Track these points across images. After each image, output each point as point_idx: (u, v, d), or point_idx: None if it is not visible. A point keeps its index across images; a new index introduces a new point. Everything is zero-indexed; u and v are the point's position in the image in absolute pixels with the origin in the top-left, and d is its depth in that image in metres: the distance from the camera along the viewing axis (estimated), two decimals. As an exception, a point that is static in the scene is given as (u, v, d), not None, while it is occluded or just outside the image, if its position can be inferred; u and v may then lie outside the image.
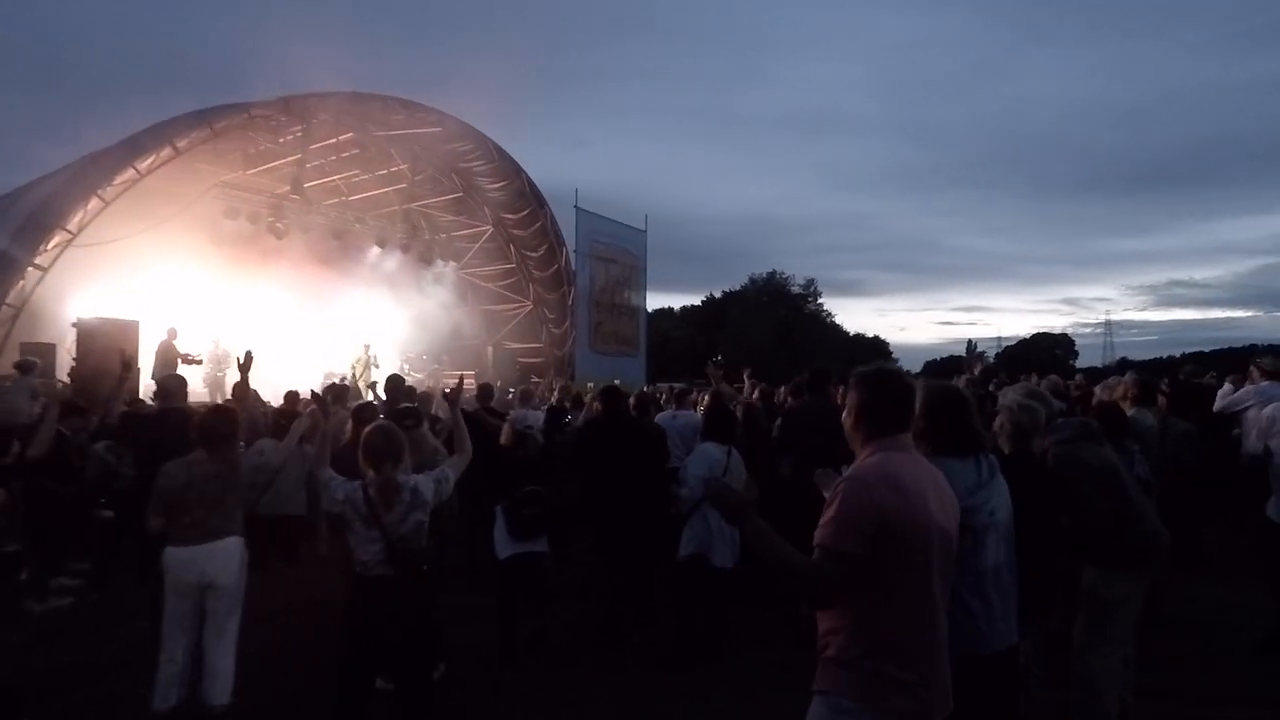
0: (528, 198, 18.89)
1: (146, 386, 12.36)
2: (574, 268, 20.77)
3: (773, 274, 56.00)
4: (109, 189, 11.65)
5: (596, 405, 5.67)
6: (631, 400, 6.55)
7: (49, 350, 12.33)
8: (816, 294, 56.35)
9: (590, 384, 15.08)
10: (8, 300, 10.85)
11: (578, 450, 5.35)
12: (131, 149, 11.76)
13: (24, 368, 8.37)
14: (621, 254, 23.69)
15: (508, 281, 21.21)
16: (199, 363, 13.08)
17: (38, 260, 11.11)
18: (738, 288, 57.45)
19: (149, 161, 11.95)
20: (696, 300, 61.32)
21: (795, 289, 55.71)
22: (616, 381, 12.20)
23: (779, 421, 6.06)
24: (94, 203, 11.45)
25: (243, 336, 15.54)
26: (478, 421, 6.40)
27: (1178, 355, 61.97)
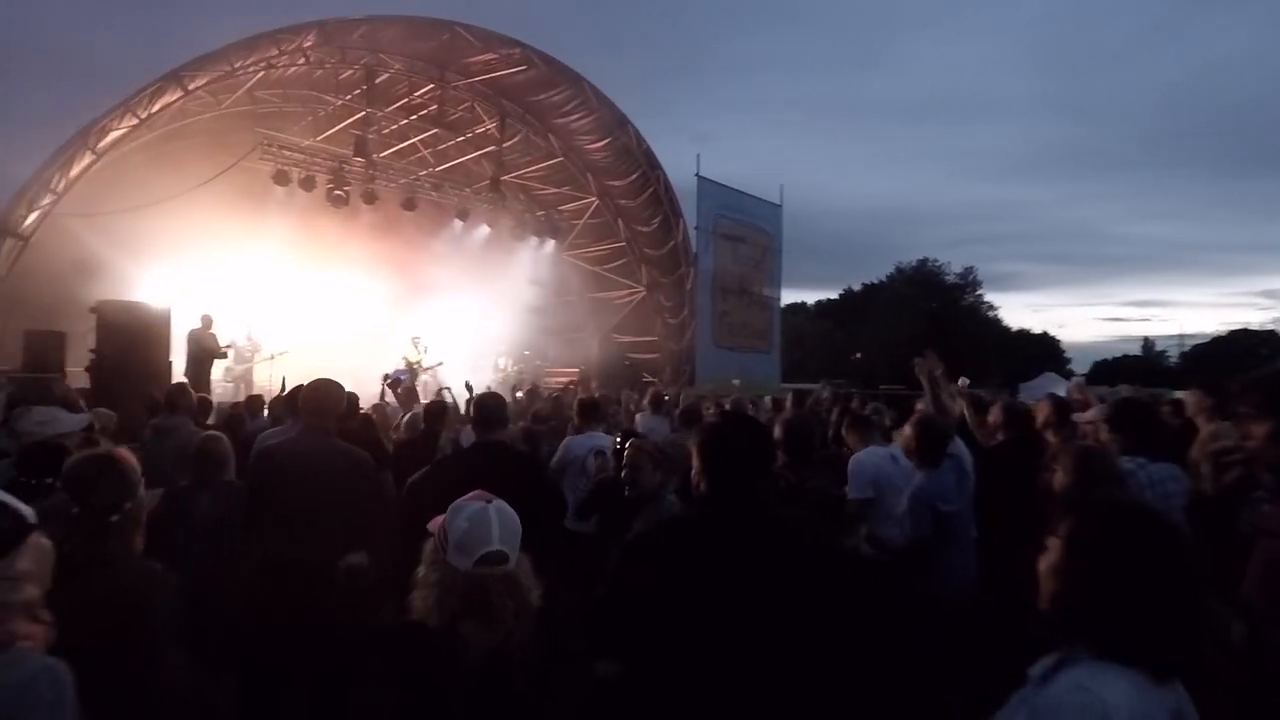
0: (635, 157, 15.50)
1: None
2: (695, 248, 17.31)
3: (923, 263, 49.82)
4: (103, 140, 9.43)
5: (696, 475, 2.00)
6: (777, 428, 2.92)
7: (58, 340, 10.44)
8: (975, 284, 49.53)
9: (710, 387, 11.53)
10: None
11: (603, 616, 1.87)
12: (127, 94, 9.46)
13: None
14: (753, 232, 19.88)
15: (617, 263, 17.96)
16: (223, 356, 10.77)
17: (19, 229, 9.01)
18: (882, 279, 51.77)
19: (154, 105, 9.61)
20: (833, 294, 55.99)
21: (949, 279, 49.23)
22: (740, 393, 8.58)
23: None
24: (86, 157, 9.26)
25: (286, 326, 13.38)
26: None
27: None
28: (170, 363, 10.32)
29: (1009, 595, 3.72)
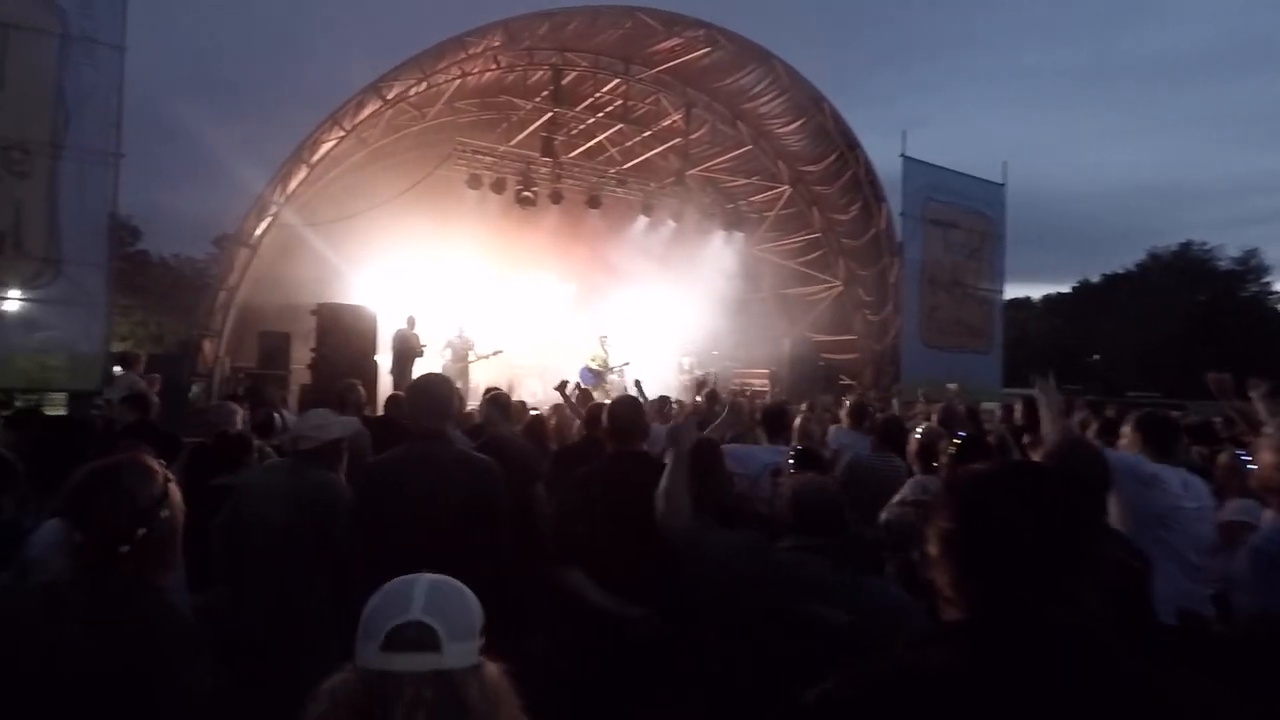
0: (832, 138, 14.19)
1: (384, 382, 10.92)
2: (900, 235, 15.59)
3: (1186, 247, 42.08)
4: (315, 154, 10.17)
5: (946, 584, 1.08)
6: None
7: (284, 340, 11.52)
8: (1259, 271, 40.77)
9: (921, 392, 9.90)
10: (227, 284, 9.80)
11: None
12: (331, 107, 10.13)
13: (125, 361, 6.51)
14: (968, 216, 17.51)
15: (812, 256, 16.67)
16: (421, 355, 11.28)
17: (250, 239, 9.96)
18: (1130, 268, 44.61)
19: (359, 116, 10.20)
20: (1064, 288, 49.06)
21: (1222, 265, 41.04)
22: (954, 398, 7.24)
23: None
24: (302, 171, 10.05)
25: (484, 326, 13.82)
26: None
27: None
28: (376, 361, 10.99)
29: None
